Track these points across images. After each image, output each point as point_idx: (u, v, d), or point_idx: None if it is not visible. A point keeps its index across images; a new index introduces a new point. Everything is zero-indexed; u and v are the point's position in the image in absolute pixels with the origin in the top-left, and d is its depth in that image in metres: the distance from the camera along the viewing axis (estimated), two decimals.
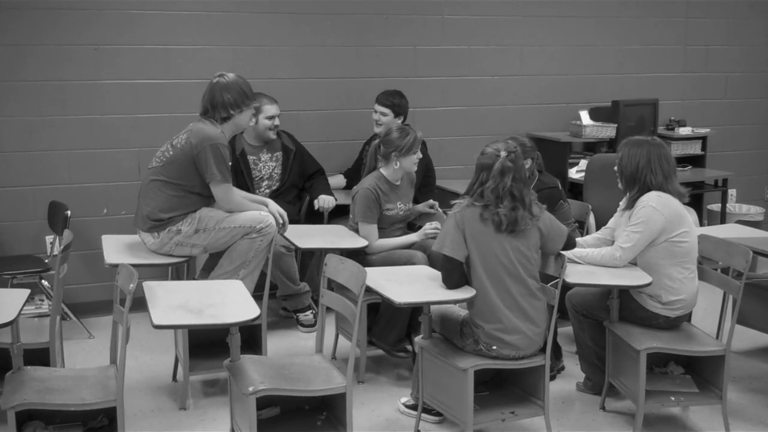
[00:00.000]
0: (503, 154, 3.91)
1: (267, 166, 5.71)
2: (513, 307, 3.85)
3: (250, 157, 5.68)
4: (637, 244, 4.18)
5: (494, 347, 3.84)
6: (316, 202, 5.69)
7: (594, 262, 4.27)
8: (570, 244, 4.12)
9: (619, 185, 4.36)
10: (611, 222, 4.49)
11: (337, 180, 6.09)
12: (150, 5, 5.77)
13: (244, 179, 5.57)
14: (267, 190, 5.66)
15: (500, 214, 3.83)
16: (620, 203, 4.42)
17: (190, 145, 4.51)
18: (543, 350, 3.95)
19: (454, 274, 3.90)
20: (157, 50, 5.81)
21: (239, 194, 4.75)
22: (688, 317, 4.39)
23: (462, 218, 3.90)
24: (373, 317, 4.86)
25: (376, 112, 5.82)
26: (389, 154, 4.89)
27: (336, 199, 5.74)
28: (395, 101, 5.80)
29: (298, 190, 5.87)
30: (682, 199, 4.28)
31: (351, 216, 5.00)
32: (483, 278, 3.86)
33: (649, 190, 4.21)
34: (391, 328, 4.78)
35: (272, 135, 5.68)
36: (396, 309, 4.47)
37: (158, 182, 4.57)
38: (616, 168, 4.35)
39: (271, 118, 5.64)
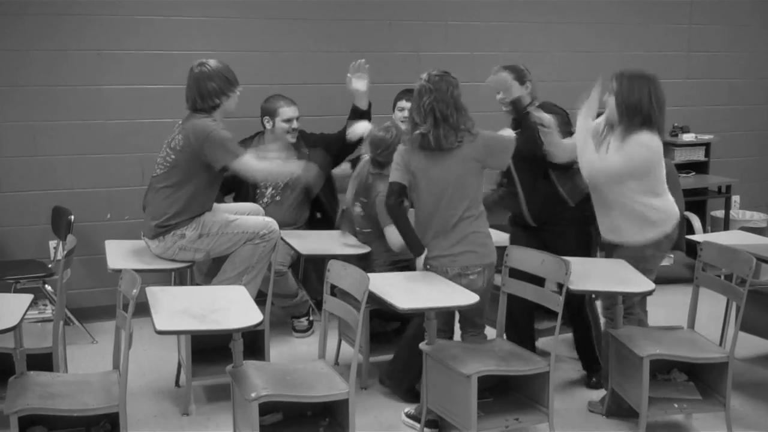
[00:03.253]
0: (425, 76, 4.15)
1: None
2: (440, 227, 4.11)
3: None
4: (619, 171, 4.24)
5: (428, 267, 4.13)
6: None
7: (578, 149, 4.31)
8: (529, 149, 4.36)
9: (616, 117, 4.33)
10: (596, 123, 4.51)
11: (344, 167, 5.87)
12: (153, 10, 5.79)
13: (246, 185, 5.56)
14: (269, 200, 5.61)
15: (422, 133, 4.06)
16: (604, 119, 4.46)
17: (190, 144, 4.49)
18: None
19: (392, 195, 4.16)
20: (160, 55, 5.82)
21: (254, 165, 4.63)
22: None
23: (405, 153, 4.17)
24: (377, 322, 4.86)
25: (402, 109, 5.66)
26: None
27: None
28: None
29: (306, 197, 5.78)
30: (663, 135, 4.36)
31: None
32: (423, 200, 4.16)
33: (650, 122, 4.25)
34: (406, 373, 4.55)
35: (291, 139, 5.57)
36: (412, 354, 4.36)
37: (164, 189, 4.56)
38: (610, 98, 4.35)
39: (289, 120, 5.55)
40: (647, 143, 4.23)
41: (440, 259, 4.13)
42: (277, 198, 5.65)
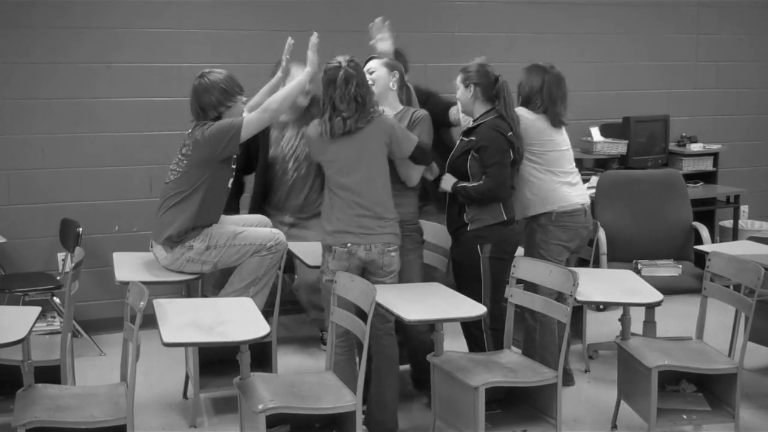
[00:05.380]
0: (344, 63, 4.16)
1: (289, 144, 5.40)
2: (365, 207, 4.14)
3: (273, 132, 5.35)
4: None
5: (348, 244, 4.12)
6: None
7: None
8: (423, 158, 4.34)
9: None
10: None
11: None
12: (162, 24, 5.81)
13: (256, 160, 5.31)
14: (294, 174, 5.39)
15: (344, 118, 4.10)
16: None
17: (198, 144, 4.49)
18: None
19: None
20: (168, 68, 5.84)
21: (257, 115, 4.53)
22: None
23: (311, 147, 4.29)
24: None
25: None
26: None
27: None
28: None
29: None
30: (559, 125, 4.74)
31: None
32: (342, 185, 4.16)
33: (536, 109, 4.67)
34: (382, 410, 4.27)
35: (303, 101, 5.24)
36: (386, 389, 4.25)
37: (174, 196, 4.54)
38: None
39: None
40: (520, 113, 4.61)
41: (364, 237, 4.15)
42: (303, 171, 5.40)
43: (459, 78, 4.56)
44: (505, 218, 4.40)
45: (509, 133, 4.38)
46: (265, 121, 4.56)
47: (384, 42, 5.06)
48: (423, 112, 4.48)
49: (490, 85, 4.46)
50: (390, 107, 4.43)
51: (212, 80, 4.56)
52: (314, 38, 4.65)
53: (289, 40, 4.88)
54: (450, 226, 4.52)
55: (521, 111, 4.64)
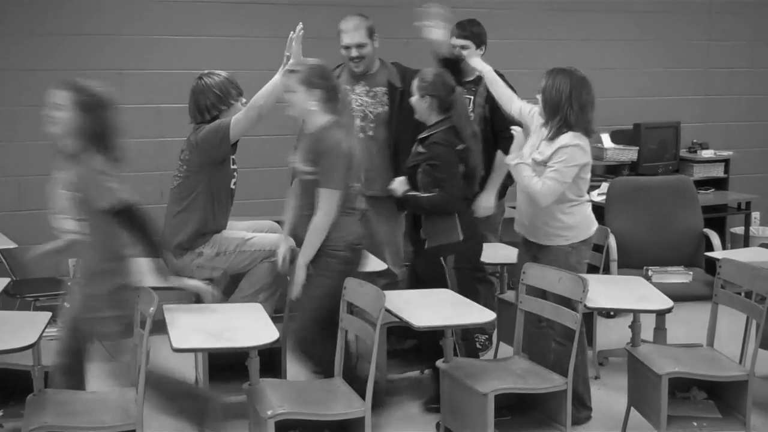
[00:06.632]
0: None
1: (358, 99, 5.13)
2: None
3: (344, 87, 4.96)
4: (564, 183, 4.22)
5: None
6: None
7: (528, 187, 4.26)
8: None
9: (542, 115, 4.37)
10: (531, 117, 4.56)
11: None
12: (172, 30, 5.84)
13: None
14: (362, 134, 5.06)
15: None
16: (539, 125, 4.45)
17: (193, 148, 4.51)
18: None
19: None
20: (179, 75, 5.85)
21: (243, 113, 4.49)
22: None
23: None
24: (393, 340, 4.84)
25: (454, 47, 5.18)
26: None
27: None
28: (474, 30, 5.18)
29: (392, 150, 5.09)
30: (590, 135, 4.32)
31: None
32: None
33: (568, 120, 4.22)
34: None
35: (355, 68, 5.06)
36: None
37: (180, 201, 4.56)
38: (539, 96, 4.36)
39: (346, 48, 5.07)
40: (576, 141, 4.22)
41: None
42: (370, 132, 5.12)
43: (415, 84, 4.48)
44: (461, 239, 4.38)
45: (458, 147, 4.33)
46: (252, 118, 4.51)
47: (436, 31, 4.91)
48: (326, 144, 4.08)
49: (446, 96, 4.41)
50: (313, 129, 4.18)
51: (208, 83, 4.59)
52: (298, 30, 4.59)
53: (291, 34, 4.69)
54: (409, 236, 4.50)
55: (571, 138, 4.21)
